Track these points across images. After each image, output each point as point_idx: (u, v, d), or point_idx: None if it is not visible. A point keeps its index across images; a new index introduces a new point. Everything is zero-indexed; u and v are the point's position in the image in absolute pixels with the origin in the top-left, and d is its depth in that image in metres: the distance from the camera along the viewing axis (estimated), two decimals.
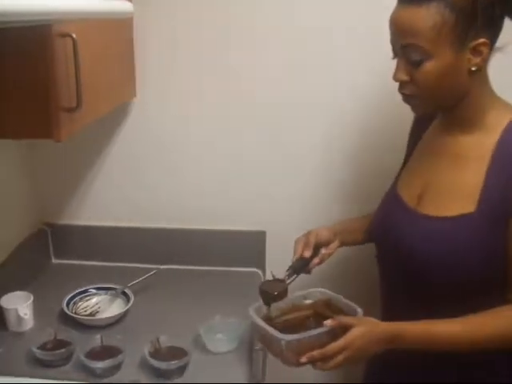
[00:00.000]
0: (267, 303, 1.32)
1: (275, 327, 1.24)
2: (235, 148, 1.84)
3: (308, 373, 1.91)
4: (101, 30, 1.42)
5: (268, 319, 1.30)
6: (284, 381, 2.05)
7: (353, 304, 1.28)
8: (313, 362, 1.15)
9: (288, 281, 1.35)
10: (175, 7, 1.71)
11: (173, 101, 1.81)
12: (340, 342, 1.12)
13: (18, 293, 1.57)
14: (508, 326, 1.13)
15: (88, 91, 1.28)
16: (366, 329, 1.14)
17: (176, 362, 1.36)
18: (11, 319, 1.53)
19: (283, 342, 1.17)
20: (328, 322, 1.17)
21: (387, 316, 1.26)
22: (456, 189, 1.18)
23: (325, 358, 1.13)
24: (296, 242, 1.41)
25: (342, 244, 1.45)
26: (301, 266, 1.38)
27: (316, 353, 1.13)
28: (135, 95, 1.79)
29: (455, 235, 1.15)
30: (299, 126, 1.79)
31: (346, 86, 1.71)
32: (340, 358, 1.12)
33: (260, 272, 1.90)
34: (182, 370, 1.38)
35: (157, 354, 1.40)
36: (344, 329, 1.15)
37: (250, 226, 1.88)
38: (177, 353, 1.40)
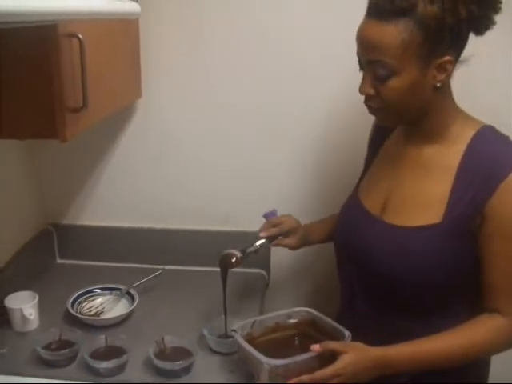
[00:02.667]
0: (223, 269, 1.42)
1: (257, 347, 1.22)
2: (240, 149, 1.84)
3: None
4: (107, 30, 1.42)
5: (251, 338, 1.29)
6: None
7: (340, 327, 1.26)
8: None
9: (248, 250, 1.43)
10: (181, 8, 1.71)
11: (178, 102, 1.81)
12: (330, 369, 1.11)
13: (23, 293, 1.57)
14: (489, 336, 1.15)
15: (94, 91, 1.28)
16: (357, 356, 1.13)
17: (181, 362, 1.36)
18: (16, 319, 1.53)
19: (268, 367, 1.15)
20: (316, 348, 1.15)
21: (345, 323, 1.26)
22: (421, 199, 1.19)
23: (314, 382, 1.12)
24: (268, 223, 1.48)
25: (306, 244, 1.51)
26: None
27: (305, 377, 1.12)
28: (140, 96, 1.79)
29: (421, 244, 1.16)
30: (299, 126, 1.80)
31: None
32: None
33: (265, 273, 1.90)
34: (186, 370, 1.38)
35: (161, 354, 1.40)
36: (333, 354, 1.13)
37: (254, 227, 1.87)
38: (181, 353, 1.40)
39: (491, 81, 1.64)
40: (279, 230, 1.46)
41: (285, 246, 1.49)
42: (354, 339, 1.23)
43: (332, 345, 1.16)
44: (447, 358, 1.15)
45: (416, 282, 1.16)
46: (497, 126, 1.20)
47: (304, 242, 1.51)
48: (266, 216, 1.51)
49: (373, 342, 1.17)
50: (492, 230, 1.11)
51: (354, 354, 1.13)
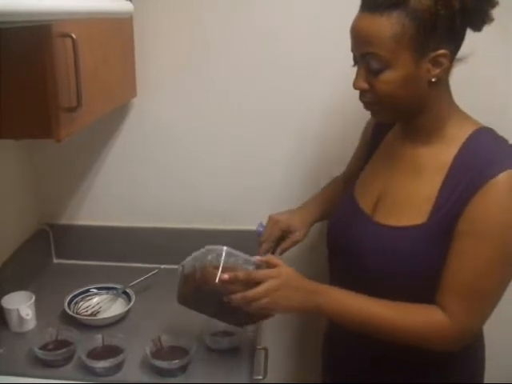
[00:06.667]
0: None
1: None
2: (235, 147, 1.84)
3: (305, 373, 1.92)
4: (101, 29, 1.42)
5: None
6: (285, 379, 2.05)
7: None
8: (234, 282, 1.14)
9: None
10: (174, 6, 1.71)
11: (173, 100, 1.81)
12: (268, 270, 1.14)
13: (20, 293, 1.57)
14: (421, 326, 1.12)
15: (88, 91, 1.28)
16: (296, 273, 1.16)
17: (177, 361, 1.36)
18: (13, 319, 1.53)
19: (209, 257, 1.18)
20: (257, 258, 1.19)
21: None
22: (410, 199, 1.18)
23: (249, 283, 1.13)
24: (269, 225, 1.50)
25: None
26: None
27: (241, 273, 1.14)
28: (135, 95, 1.79)
29: (407, 245, 1.15)
30: (296, 123, 1.80)
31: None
32: (265, 285, 1.12)
33: None
34: (183, 369, 1.38)
35: (158, 353, 1.40)
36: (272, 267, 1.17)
37: (250, 225, 1.87)
38: (178, 352, 1.41)
39: (492, 80, 1.65)
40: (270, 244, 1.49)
41: (293, 245, 1.50)
42: (343, 338, 1.25)
43: (273, 258, 1.20)
44: (373, 322, 1.13)
45: (404, 282, 1.15)
46: (497, 126, 1.18)
47: (311, 224, 1.52)
48: (258, 233, 1.53)
49: (362, 340, 1.17)
50: (463, 227, 1.08)
51: (294, 270, 1.17)
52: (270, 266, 1.18)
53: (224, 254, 1.18)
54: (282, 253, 1.49)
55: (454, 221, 1.09)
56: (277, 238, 1.49)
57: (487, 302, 1.10)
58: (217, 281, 1.16)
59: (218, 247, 1.20)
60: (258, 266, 1.19)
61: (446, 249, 1.11)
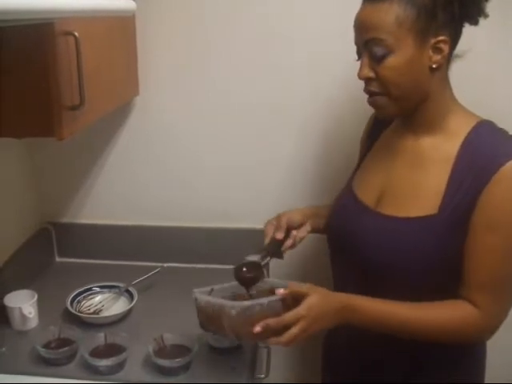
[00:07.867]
0: (246, 286, 1.29)
1: None
2: (238, 146, 1.84)
3: (307, 371, 1.92)
4: (103, 27, 1.42)
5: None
6: (286, 379, 2.05)
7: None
8: (267, 331, 1.11)
9: (262, 263, 1.32)
10: (177, 6, 1.71)
11: (174, 100, 1.81)
12: (297, 311, 1.11)
13: (22, 291, 1.57)
14: (454, 321, 1.14)
15: (91, 89, 1.28)
16: (321, 297, 1.13)
17: (180, 359, 1.36)
18: (15, 318, 1.53)
19: (234, 311, 1.14)
20: (280, 291, 1.15)
21: None
22: (418, 190, 1.18)
23: (280, 327, 1.11)
24: (267, 224, 1.40)
25: (313, 229, 1.43)
26: (274, 249, 1.35)
27: (271, 321, 1.11)
28: (138, 93, 1.79)
29: (417, 236, 1.15)
30: (296, 122, 1.80)
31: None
32: (297, 327, 1.10)
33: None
34: (185, 367, 1.38)
35: (161, 351, 1.40)
36: (297, 299, 1.13)
37: (253, 223, 1.88)
38: (181, 350, 1.41)
39: (490, 76, 1.64)
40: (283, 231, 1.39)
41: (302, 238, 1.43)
42: (346, 332, 1.23)
43: (296, 287, 1.16)
44: (408, 326, 1.13)
45: (410, 271, 1.15)
46: (496, 121, 1.19)
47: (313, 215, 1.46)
48: None
49: (363, 343, 1.18)
50: (478, 219, 1.10)
51: (319, 296, 1.13)
52: (295, 297, 1.14)
53: (249, 306, 1.15)
54: (292, 245, 1.39)
55: (466, 214, 1.11)
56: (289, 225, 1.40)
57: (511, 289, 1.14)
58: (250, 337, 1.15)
59: (239, 303, 1.17)
60: (284, 300, 1.15)
61: (455, 238, 1.12)
